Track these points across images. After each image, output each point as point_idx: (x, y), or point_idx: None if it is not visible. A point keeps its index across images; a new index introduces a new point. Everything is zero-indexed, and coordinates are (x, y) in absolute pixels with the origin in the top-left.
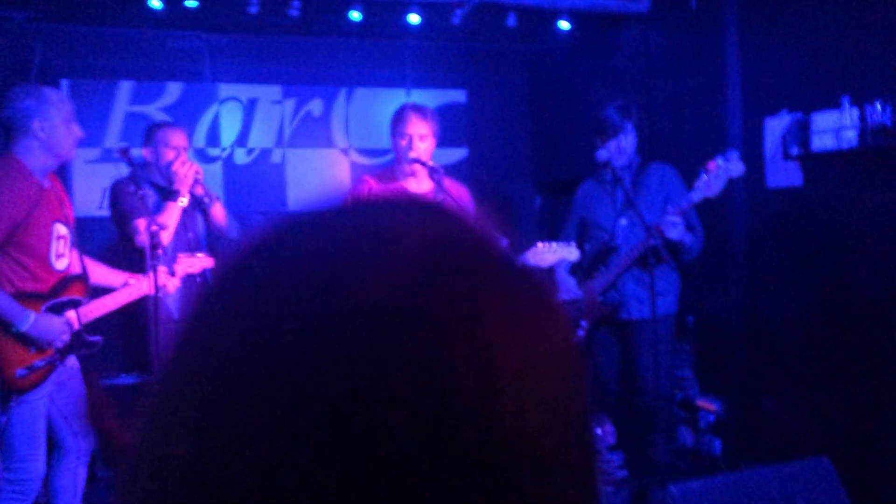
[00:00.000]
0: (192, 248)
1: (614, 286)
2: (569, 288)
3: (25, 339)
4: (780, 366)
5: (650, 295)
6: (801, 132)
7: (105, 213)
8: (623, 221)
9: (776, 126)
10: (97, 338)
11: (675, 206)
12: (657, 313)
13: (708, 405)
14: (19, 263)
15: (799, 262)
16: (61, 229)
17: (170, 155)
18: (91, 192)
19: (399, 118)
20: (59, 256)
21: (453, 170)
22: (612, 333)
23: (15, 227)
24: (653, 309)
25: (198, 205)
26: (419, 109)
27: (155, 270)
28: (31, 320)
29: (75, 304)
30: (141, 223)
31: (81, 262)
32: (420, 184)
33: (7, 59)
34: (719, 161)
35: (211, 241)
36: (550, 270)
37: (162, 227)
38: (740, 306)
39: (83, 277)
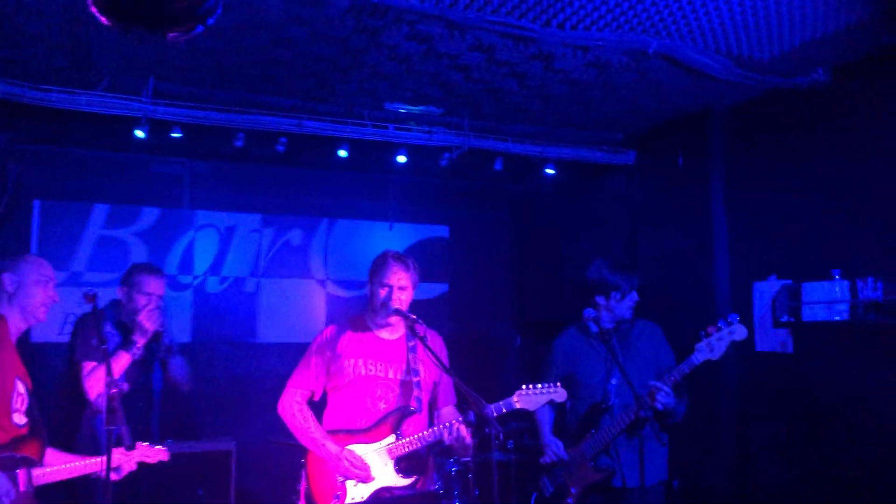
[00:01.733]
0: (137, 397)
1: (607, 451)
2: (556, 451)
3: None
4: None
5: (640, 461)
6: (792, 300)
7: (63, 339)
8: (613, 381)
9: (765, 290)
10: None
11: (674, 371)
12: (648, 483)
13: None
14: None
15: (790, 429)
16: (21, 387)
17: (141, 301)
18: (52, 317)
19: (380, 267)
20: (15, 411)
21: (433, 305)
22: (604, 500)
23: None
24: (641, 478)
25: (157, 355)
26: (402, 260)
27: (111, 437)
28: None
29: (29, 464)
30: (87, 366)
31: (38, 424)
32: (393, 333)
33: None
34: (721, 325)
35: (165, 392)
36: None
37: (121, 390)
38: (729, 472)
39: (40, 438)
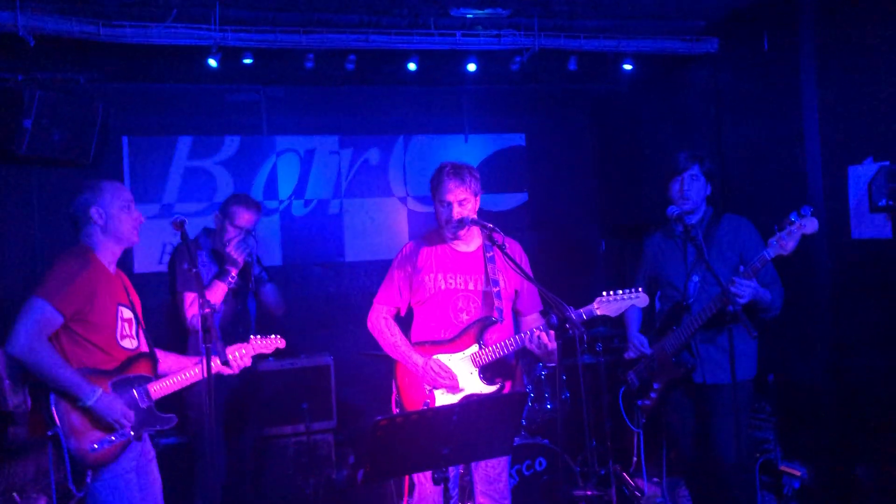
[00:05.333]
0: (237, 322)
1: (688, 347)
2: (639, 346)
3: (91, 415)
4: (873, 430)
5: (728, 358)
6: (890, 182)
7: (163, 268)
8: (695, 279)
9: (861, 174)
10: (170, 416)
11: (747, 266)
12: (736, 378)
13: (792, 471)
14: (87, 341)
15: (889, 319)
16: (126, 312)
17: (231, 233)
18: (151, 247)
19: (437, 185)
20: (125, 337)
21: (513, 215)
22: (687, 395)
23: (79, 308)
24: (732, 374)
25: (250, 283)
26: (456, 174)
27: (208, 354)
28: (97, 396)
29: (143, 381)
30: (188, 297)
31: (149, 343)
32: (470, 244)
33: (72, 120)
34: (793, 217)
35: (260, 317)
36: (620, 323)
37: (213, 309)
38: (826, 365)
39: (150, 356)
